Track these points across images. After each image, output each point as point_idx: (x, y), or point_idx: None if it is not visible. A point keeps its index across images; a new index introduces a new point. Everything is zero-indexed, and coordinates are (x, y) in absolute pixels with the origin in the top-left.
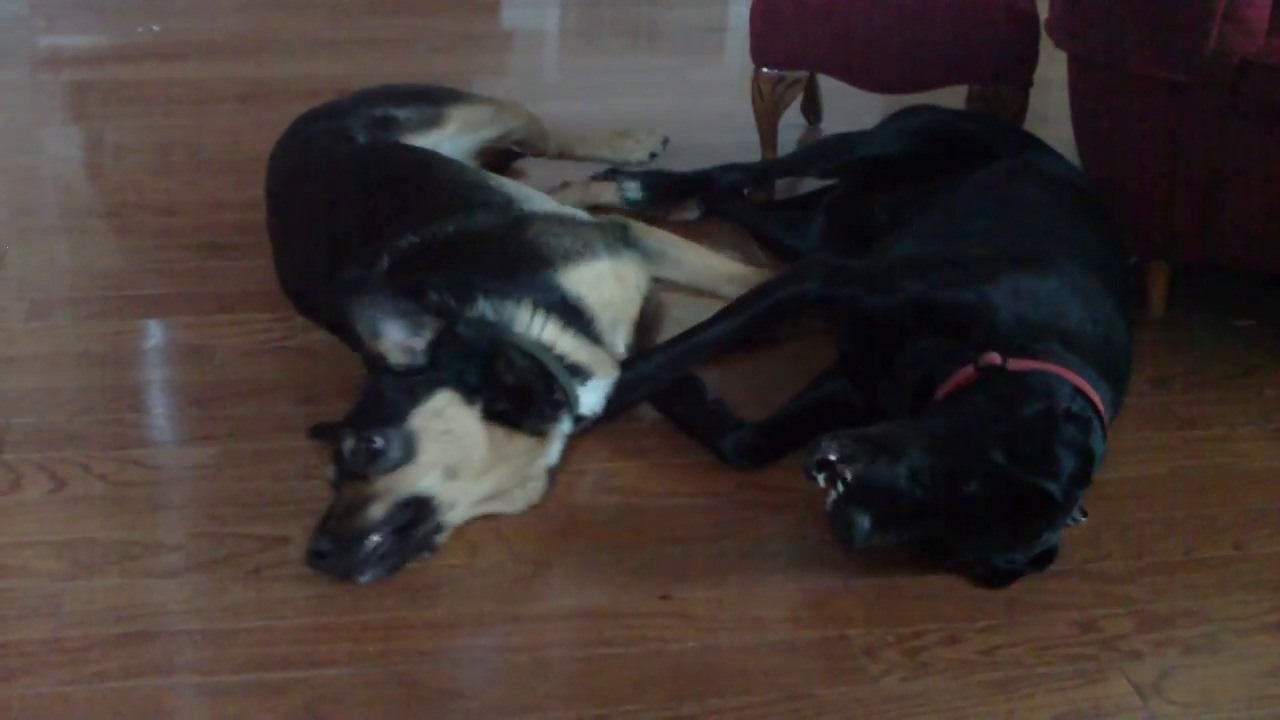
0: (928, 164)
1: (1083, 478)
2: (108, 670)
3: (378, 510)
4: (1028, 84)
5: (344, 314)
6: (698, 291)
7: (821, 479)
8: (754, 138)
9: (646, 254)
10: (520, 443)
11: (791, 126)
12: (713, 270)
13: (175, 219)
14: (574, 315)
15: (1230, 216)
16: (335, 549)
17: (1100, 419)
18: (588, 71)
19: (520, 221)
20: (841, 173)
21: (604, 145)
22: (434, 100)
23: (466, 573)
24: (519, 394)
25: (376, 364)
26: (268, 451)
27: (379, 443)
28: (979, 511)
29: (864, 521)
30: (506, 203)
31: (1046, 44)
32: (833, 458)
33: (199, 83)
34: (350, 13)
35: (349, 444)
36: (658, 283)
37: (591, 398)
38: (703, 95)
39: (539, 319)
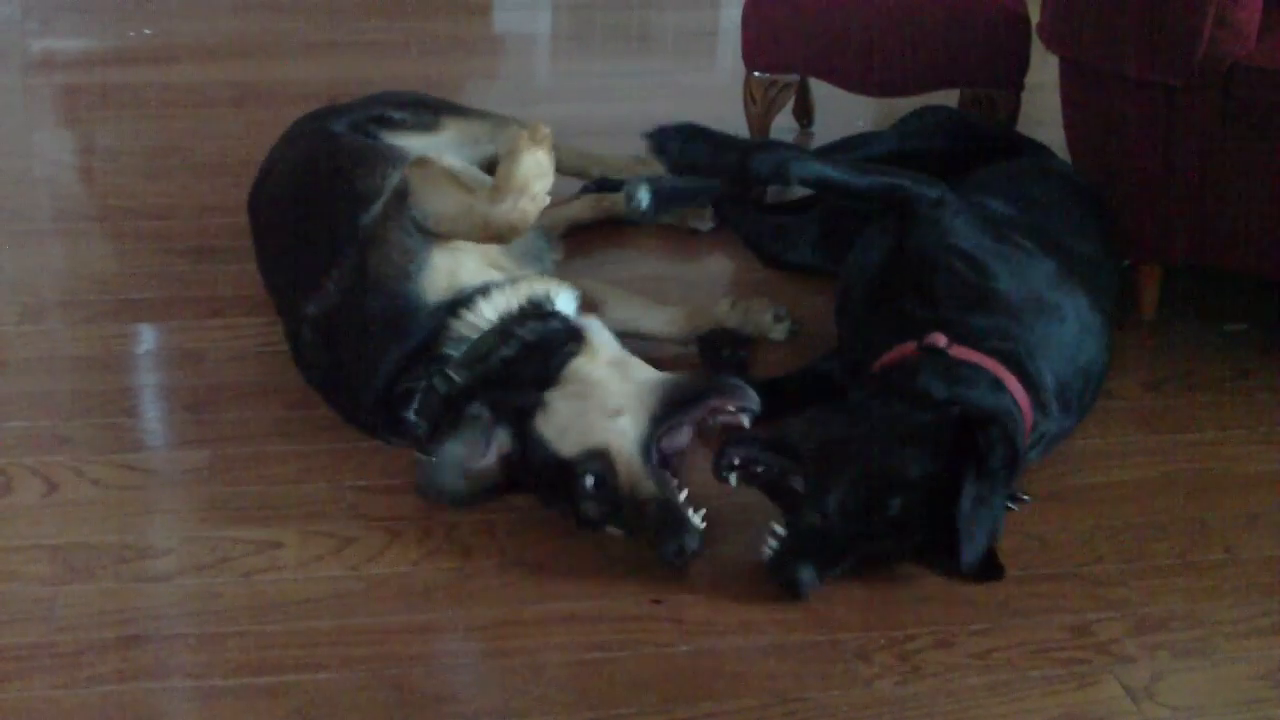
0: (944, 163)
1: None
2: (100, 674)
3: (646, 488)
4: (1020, 87)
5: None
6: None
7: (733, 479)
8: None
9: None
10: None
11: (783, 131)
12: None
13: (168, 223)
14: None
15: (1222, 219)
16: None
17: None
18: (579, 75)
19: (362, 253)
20: None
21: (620, 171)
22: (433, 108)
23: (458, 576)
24: (539, 350)
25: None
26: (260, 455)
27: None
28: (908, 523)
29: (807, 573)
30: (357, 217)
31: (1038, 47)
32: (736, 462)
33: (191, 86)
34: (343, 16)
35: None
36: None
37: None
38: (694, 99)
39: (467, 317)
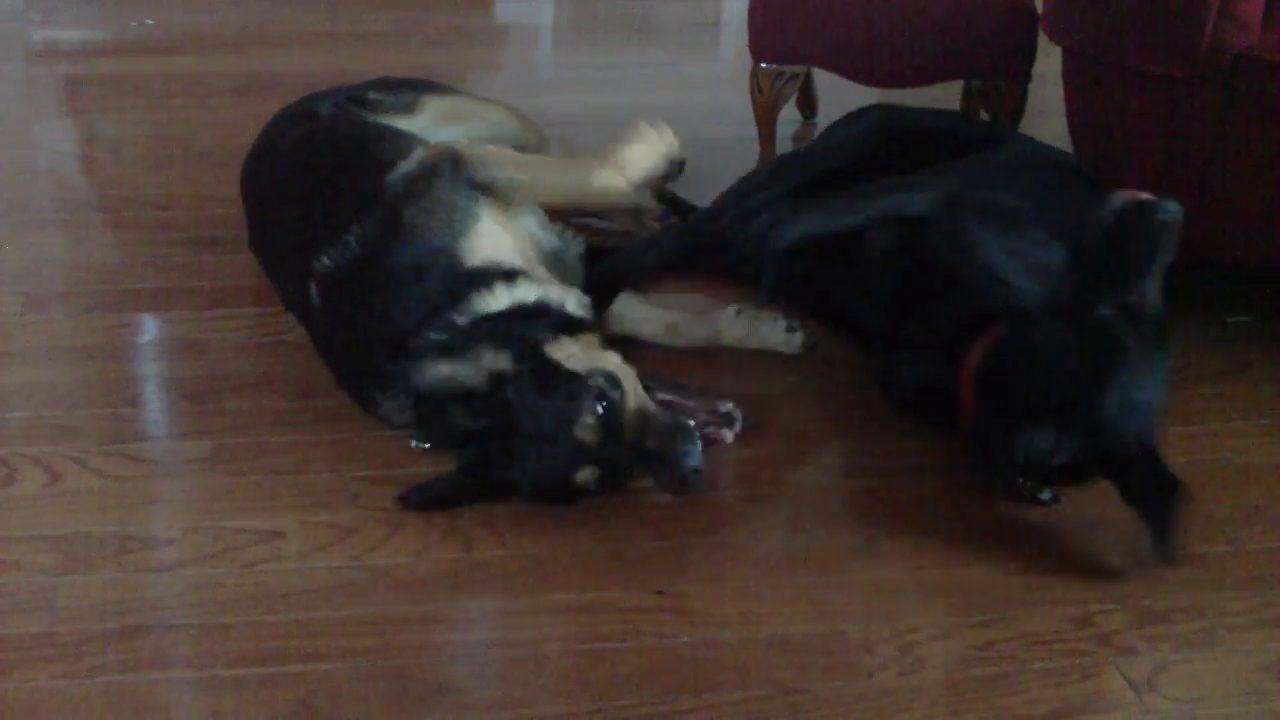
0: (888, 166)
1: None
2: (102, 664)
3: (650, 407)
4: (1026, 78)
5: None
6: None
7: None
8: (750, 131)
9: (489, 187)
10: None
11: (788, 122)
12: (550, 175)
13: (170, 213)
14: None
15: (1225, 211)
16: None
17: None
18: (582, 66)
19: (394, 207)
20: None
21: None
22: (414, 87)
23: (461, 567)
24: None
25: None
26: (262, 446)
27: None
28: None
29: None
30: (383, 174)
31: (1042, 38)
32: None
33: (194, 76)
34: (345, 6)
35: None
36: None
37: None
38: (698, 90)
39: (485, 295)
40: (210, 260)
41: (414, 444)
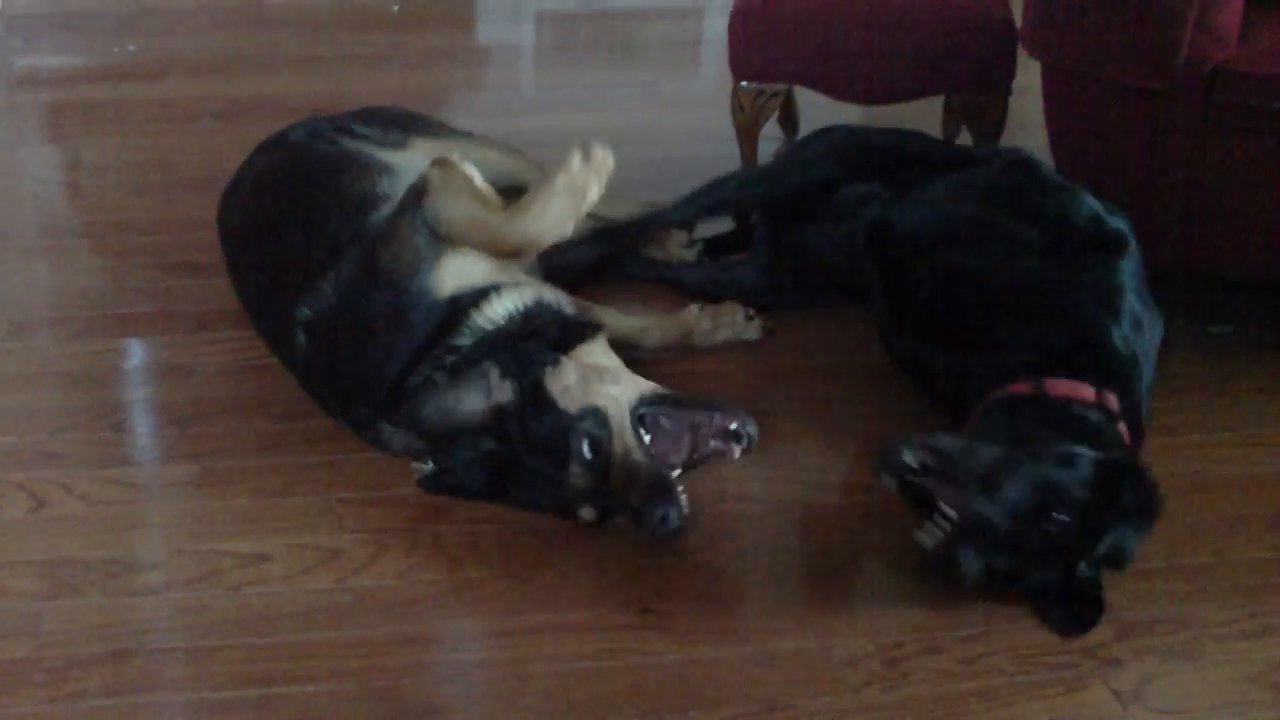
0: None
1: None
2: (88, 689)
3: (637, 454)
4: (1007, 93)
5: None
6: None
7: (893, 484)
8: (731, 149)
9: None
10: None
11: (769, 140)
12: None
13: (153, 238)
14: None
15: (1207, 222)
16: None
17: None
18: (564, 86)
19: (370, 252)
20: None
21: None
22: (404, 127)
23: (446, 588)
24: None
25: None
26: (247, 469)
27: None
28: (1056, 548)
29: (973, 561)
30: (364, 218)
31: (1023, 52)
32: (915, 463)
33: (176, 101)
34: (326, 30)
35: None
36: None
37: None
38: (679, 109)
39: (486, 311)
40: (194, 285)
41: (415, 471)
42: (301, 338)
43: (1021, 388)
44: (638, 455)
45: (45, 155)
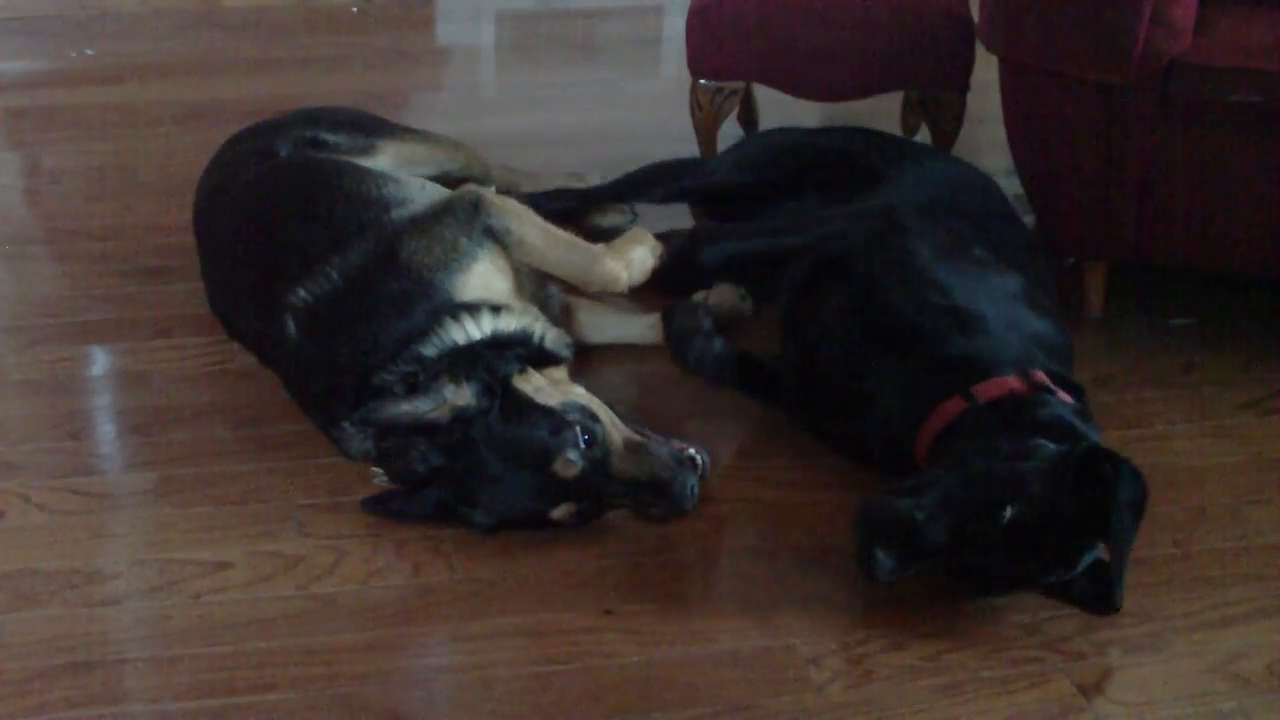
0: (781, 191)
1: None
2: (50, 701)
3: (633, 438)
4: (965, 89)
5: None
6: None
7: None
8: (692, 148)
9: (497, 235)
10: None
11: (729, 138)
12: (558, 247)
13: (112, 244)
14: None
15: (1165, 215)
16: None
17: None
18: (524, 86)
19: (392, 241)
20: (680, 200)
21: (554, 184)
22: (367, 130)
23: (408, 593)
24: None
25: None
26: (208, 476)
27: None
28: (1019, 542)
29: (886, 558)
30: (380, 213)
31: (981, 46)
32: (894, 567)
33: (134, 106)
34: (284, 32)
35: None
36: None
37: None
38: (640, 107)
39: (466, 323)
40: (153, 291)
41: (375, 479)
42: (291, 326)
43: (953, 407)
44: (639, 437)
45: (2, 161)
